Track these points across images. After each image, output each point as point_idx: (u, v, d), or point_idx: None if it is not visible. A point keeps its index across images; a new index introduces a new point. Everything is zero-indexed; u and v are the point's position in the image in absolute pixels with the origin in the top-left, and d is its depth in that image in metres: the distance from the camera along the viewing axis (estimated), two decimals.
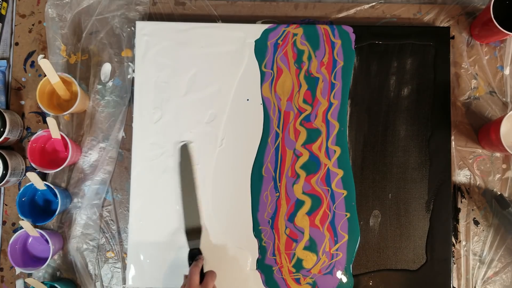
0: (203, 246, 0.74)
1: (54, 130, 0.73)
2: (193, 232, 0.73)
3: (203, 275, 0.68)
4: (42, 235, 0.74)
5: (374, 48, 0.78)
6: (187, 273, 0.68)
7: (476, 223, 0.78)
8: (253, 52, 0.78)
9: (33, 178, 0.72)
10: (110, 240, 0.79)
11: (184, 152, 0.75)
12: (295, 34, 0.78)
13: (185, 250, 0.73)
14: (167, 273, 0.74)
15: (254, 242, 0.75)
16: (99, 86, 0.81)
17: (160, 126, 0.77)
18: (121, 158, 0.80)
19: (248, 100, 0.77)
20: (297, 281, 0.75)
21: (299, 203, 0.76)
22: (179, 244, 0.75)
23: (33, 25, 0.83)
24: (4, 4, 0.83)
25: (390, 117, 0.77)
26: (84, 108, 0.80)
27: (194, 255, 0.71)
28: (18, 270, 0.78)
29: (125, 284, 0.77)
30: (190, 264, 0.70)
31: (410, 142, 0.77)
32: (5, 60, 0.83)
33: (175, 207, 0.75)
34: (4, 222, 0.80)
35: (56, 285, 0.73)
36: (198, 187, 0.75)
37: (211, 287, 0.67)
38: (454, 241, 0.78)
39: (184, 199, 0.74)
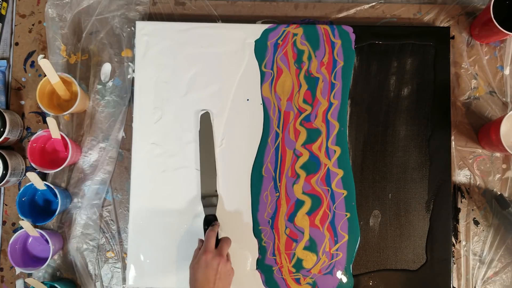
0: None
1: (54, 130, 0.73)
2: (210, 199, 0.75)
3: (218, 241, 0.70)
4: (42, 235, 0.74)
5: (374, 48, 0.78)
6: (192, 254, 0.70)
7: (476, 223, 0.78)
8: (253, 52, 0.78)
9: (33, 178, 0.72)
10: (110, 240, 0.79)
11: (205, 121, 0.76)
12: (295, 34, 0.78)
13: (184, 250, 0.73)
14: (167, 273, 0.74)
15: (254, 242, 0.75)
16: (99, 86, 0.81)
17: (160, 126, 0.77)
18: (121, 158, 0.80)
19: (248, 100, 0.77)
20: (297, 281, 0.75)
21: (299, 203, 0.76)
22: (179, 244, 0.75)
23: (33, 25, 0.83)
24: (4, 4, 0.83)
25: (390, 117, 0.77)
26: (84, 108, 0.80)
27: (210, 221, 0.73)
28: (18, 270, 0.78)
29: (125, 284, 0.77)
30: (205, 230, 0.72)
31: (410, 142, 0.77)
32: (5, 60, 0.83)
33: (175, 207, 0.75)
34: (4, 222, 0.80)
35: (56, 285, 0.73)
36: (216, 157, 0.76)
37: (226, 252, 0.68)
38: (454, 241, 0.78)
39: (202, 167, 0.75)
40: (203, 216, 0.74)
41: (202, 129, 0.76)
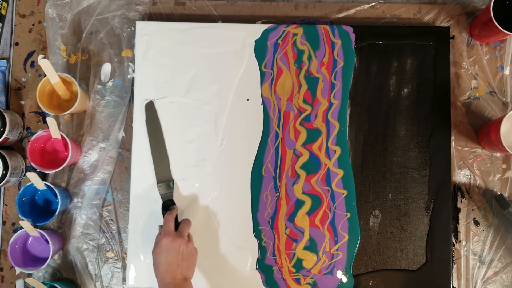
0: (205, 247, 0.74)
1: (54, 130, 0.73)
2: (165, 185, 0.75)
3: (178, 225, 0.71)
4: (42, 235, 0.74)
5: (374, 48, 0.78)
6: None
7: (476, 223, 0.78)
8: (253, 52, 0.78)
9: (33, 178, 0.72)
10: (110, 240, 0.79)
11: (150, 109, 0.77)
12: (295, 34, 0.78)
13: None
14: None
15: (254, 242, 0.75)
16: (99, 86, 0.81)
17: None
18: (121, 158, 0.80)
19: (248, 100, 0.77)
20: (297, 281, 0.75)
21: (299, 203, 0.76)
22: None
23: (33, 25, 0.83)
24: (4, 4, 0.83)
25: (390, 117, 0.77)
26: (84, 108, 0.80)
27: (168, 206, 0.74)
28: (18, 270, 0.78)
29: (125, 284, 0.77)
30: (163, 215, 0.72)
31: (410, 142, 0.77)
32: (5, 60, 0.83)
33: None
34: (4, 222, 0.80)
35: (56, 285, 0.72)
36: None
37: (186, 233, 0.69)
38: (454, 241, 0.78)
39: (154, 154, 0.76)
40: (205, 215, 0.75)
41: (148, 118, 0.77)
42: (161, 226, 0.71)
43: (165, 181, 0.76)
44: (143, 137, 0.77)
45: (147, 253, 0.75)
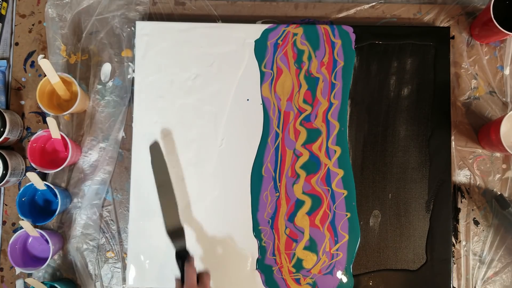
0: (205, 247, 0.74)
1: (54, 130, 0.73)
2: (176, 233, 0.69)
3: (197, 276, 0.66)
4: (42, 235, 0.74)
5: (374, 48, 0.78)
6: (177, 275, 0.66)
7: (476, 223, 0.78)
8: (253, 52, 0.78)
9: (33, 178, 0.72)
10: (110, 240, 0.79)
11: (155, 151, 0.73)
12: (295, 34, 0.78)
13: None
14: (167, 273, 0.74)
15: (254, 242, 0.75)
16: (99, 86, 0.81)
17: (160, 126, 0.77)
18: (121, 158, 0.80)
19: (248, 100, 0.77)
20: (297, 281, 0.75)
21: (299, 203, 0.76)
22: None
23: (33, 25, 0.83)
24: (4, 4, 0.83)
25: (390, 117, 0.77)
26: (84, 108, 0.80)
27: (183, 256, 0.67)
28: (18, 270, 0.78)
29: (125, 284, 0.77)
30: (179, 265, 0.67)
31: (410, 142, 0.77)
32: (5, 60, 0.83)
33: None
34: (4, 222, 0.80)
35: (56, 285, 0.72)
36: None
37: (209, 286, 0.66)
38: (454, 241, 0.78)
39: (162, 200, 0.70)
40: (205, 215, 0.74)
41: (154, 160, 0.72)
42: (178, 280, 0.65)
43: (175, 229, 0.69)
44: (143, 137, 0.77)
45: (147, 253, 0.75)
